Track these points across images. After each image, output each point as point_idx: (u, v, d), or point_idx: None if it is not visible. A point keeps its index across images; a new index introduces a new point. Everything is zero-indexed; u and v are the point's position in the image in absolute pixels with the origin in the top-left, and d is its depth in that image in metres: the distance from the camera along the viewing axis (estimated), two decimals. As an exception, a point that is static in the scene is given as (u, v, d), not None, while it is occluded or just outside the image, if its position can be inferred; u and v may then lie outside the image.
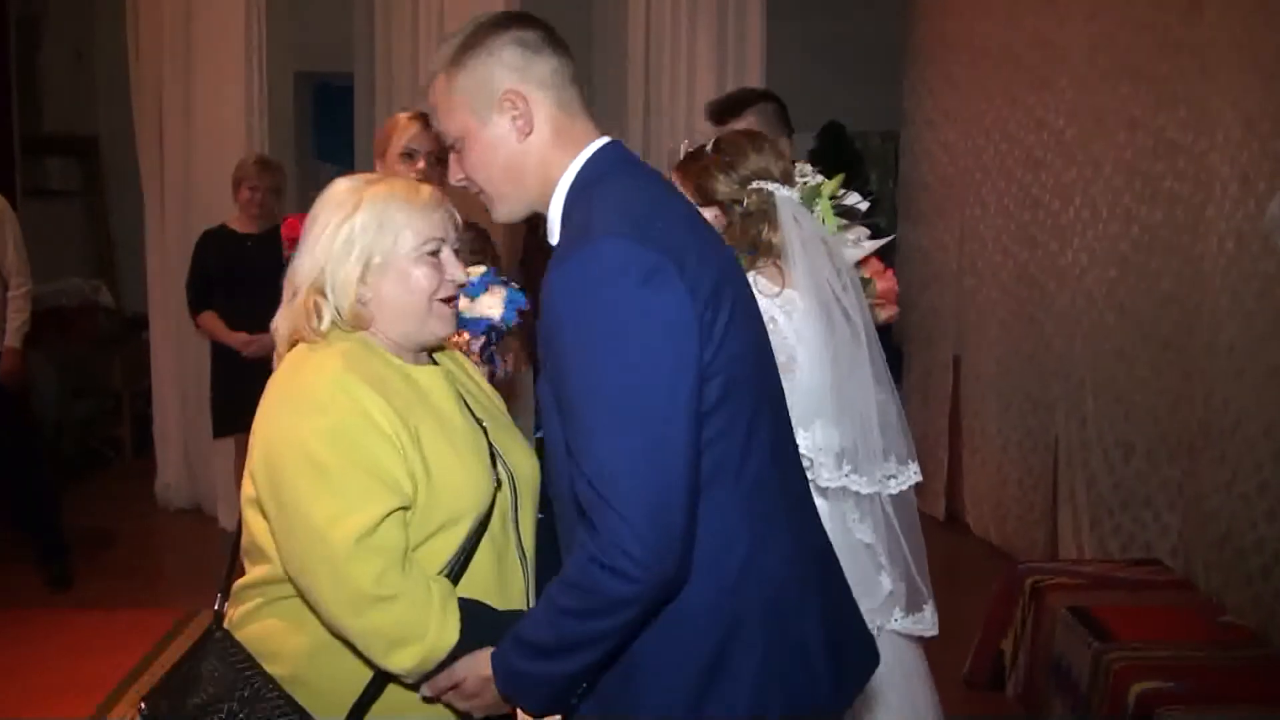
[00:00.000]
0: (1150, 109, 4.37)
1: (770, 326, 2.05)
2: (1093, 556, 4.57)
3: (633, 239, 1.53)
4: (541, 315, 1.59)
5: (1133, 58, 4.46)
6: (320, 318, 1.75)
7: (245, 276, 4.96)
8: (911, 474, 2.46)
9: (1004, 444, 5.48)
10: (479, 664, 1.65)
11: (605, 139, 1.72)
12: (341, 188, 1.80)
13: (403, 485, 1.66)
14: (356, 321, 1.76)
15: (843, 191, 2.84)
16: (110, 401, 7.09)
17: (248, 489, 1.77)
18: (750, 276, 2.04)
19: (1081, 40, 4.80)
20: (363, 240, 1.74)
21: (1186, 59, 4.15)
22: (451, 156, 1.75)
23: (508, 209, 1.76)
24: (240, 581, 1.83)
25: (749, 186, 2.48)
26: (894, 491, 2.45)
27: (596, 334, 1.51)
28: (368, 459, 1.65)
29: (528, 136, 1.68)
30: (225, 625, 1.82)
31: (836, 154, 7.98)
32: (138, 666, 4.12)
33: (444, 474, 1.71)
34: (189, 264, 5.25)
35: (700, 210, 2.45)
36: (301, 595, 1.70)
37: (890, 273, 3.04)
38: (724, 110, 3.49)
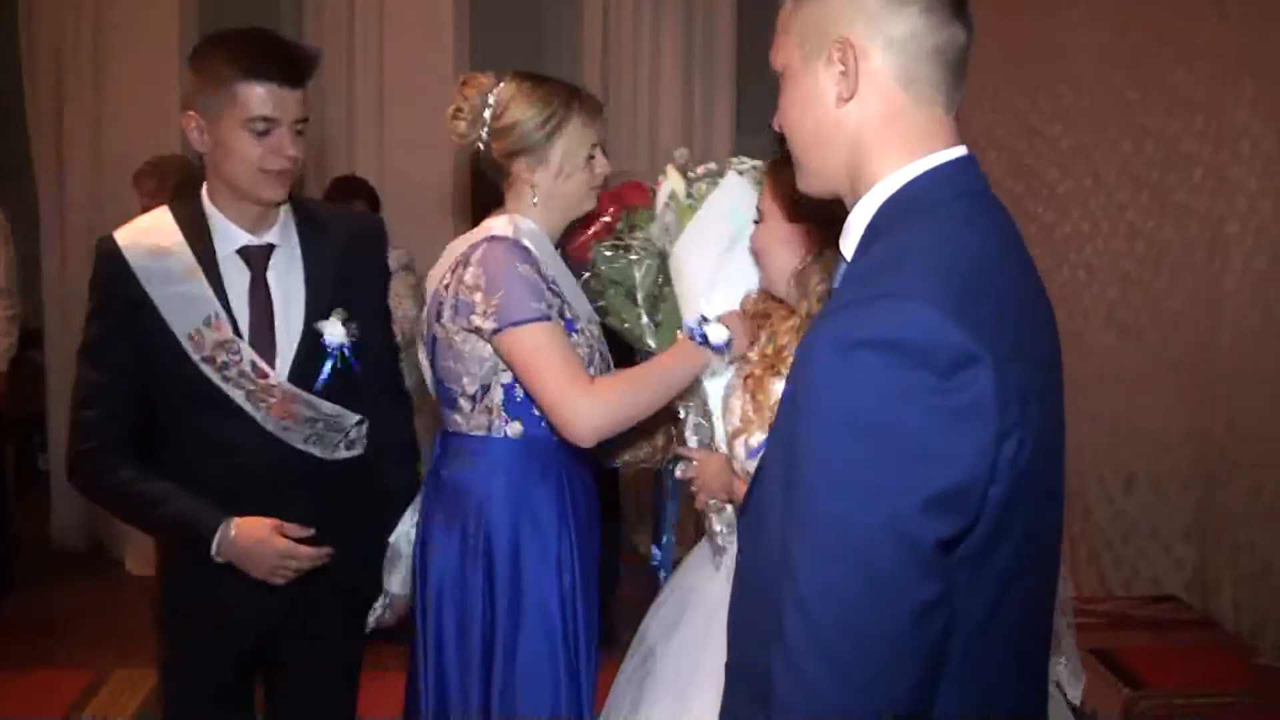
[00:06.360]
0: (1161, 118, 4.12)
1: None
2: (1093, 593, 4.32)
3: (949, 314, 1.16)
4: (792, 368, 1.29)
5: (1142, 63, 4.20)
6: None
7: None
8: None
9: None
10: None
11: (960, 151, 1.33)
12: None
13: None
14: None
15: None
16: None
17: None
18: None
19: (1082, 43, 4.50)
20: None
21: (1204, 65, 3.93)
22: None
23: (806, 182, 1.43)
24: None
25: None
26: None
27: (853, 425, 1.17)
28: None
29: (847, 103, 1.32)
30: None
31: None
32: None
33: None
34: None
35: (787, 224, 2.10)
36: None
37: None
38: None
